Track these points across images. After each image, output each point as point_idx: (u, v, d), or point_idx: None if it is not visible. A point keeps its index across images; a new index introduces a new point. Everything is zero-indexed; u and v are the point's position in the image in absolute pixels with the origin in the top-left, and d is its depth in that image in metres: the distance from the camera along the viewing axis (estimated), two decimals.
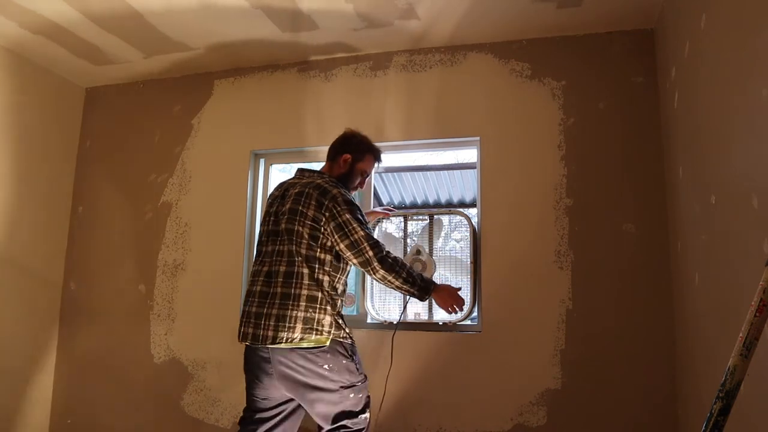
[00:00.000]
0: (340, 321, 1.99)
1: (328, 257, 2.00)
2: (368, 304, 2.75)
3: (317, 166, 2.38)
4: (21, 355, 3.03)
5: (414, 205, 4.34)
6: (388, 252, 2.03)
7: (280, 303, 1.93)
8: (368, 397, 2.03)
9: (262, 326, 1.93)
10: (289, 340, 1.89)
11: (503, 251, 2.62)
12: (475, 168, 2.89)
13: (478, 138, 2.76)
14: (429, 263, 2.64)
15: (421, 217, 2.79)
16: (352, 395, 1.95)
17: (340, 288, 2.06)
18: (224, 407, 2.88)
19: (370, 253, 1.98)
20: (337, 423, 1.94)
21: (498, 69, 2.79)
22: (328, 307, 1.96)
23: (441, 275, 2.68)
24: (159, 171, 3.25)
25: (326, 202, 1.99)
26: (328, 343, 1.92)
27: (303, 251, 1.97)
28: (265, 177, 3.17)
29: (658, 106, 2.53)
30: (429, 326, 2.70)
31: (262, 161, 3.17)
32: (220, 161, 3.15)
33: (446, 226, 2.81)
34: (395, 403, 2.60)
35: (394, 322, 2.62)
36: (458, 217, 2.79)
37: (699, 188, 1.96)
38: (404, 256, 2.72)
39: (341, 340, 1.97)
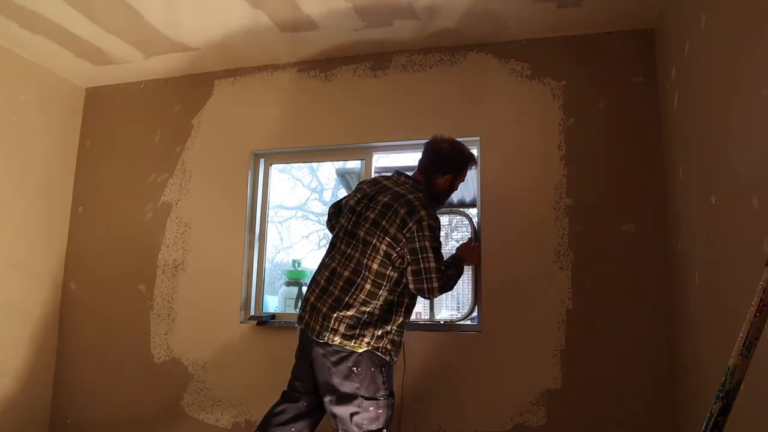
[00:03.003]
0: (385, 337, 2.01)
1: (396, 275, 2.02)
2: None
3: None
4: (21, 355, 3.03)
5: None
6: (446, 270, 2.04)
7: (331, 304, 1.99)
8: (390, 416, 2.01)
9: (313, 318, 2.02)
10: (331, 340, 1.96)
11: (503, 251, 2.62)
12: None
13: (478, 138, 2.76)
14: None
15: None
16: (371, 408, 1.94)
17: (405, 303, 2.07)
18: (224, 407, 2.88)
19: (435, 284, 2.00)
20: None
21: (498, 69, 2.79)
22: (374, 321, 1.99)
23: None
24: (159, 171, 3.25)
25: (411, 224, 1.99)
26: (360, 351, 1.96)
27: (374, 266, 2.00)
28: (265, 177, 3.17)
29: (658, 106, 2.53)
30: (429, 326, 2.71)
31: (262, 161, 3.17)
32: (220, 161, 3.14)
33: (446, 226, 2.82)
34: (395, 402, 2.59)
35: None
36: (458, 217, 2.79)
37: (699, 188, 1.96)
38: None
39: (379, 353, 1.99)
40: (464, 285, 2.67)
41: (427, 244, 1.98)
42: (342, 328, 1.95)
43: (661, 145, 2.50)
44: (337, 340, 1.94)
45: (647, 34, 2.62)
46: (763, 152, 1.39)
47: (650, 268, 2.44)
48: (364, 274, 2.00)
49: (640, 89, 2.58)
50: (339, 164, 5.08)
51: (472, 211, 3.32)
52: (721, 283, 1.74)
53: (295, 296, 3.82)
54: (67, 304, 3.28)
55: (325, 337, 1.96)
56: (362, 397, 1.93)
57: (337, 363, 1.95)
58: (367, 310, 1.98)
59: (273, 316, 2.95)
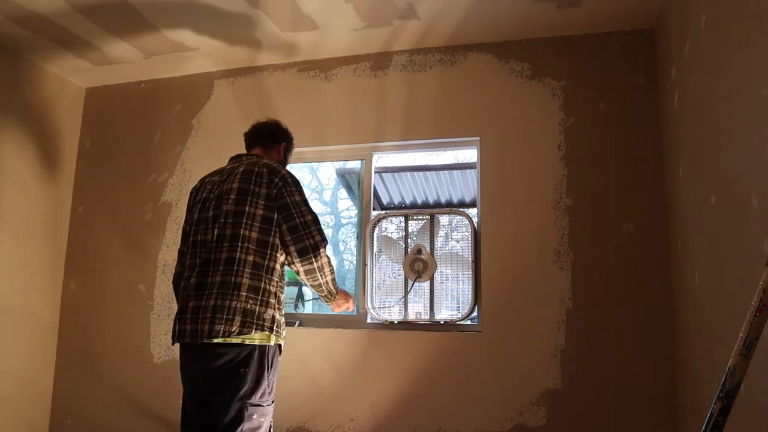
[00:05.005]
0: (282, 320, 1.85)
1: (279, 242, 1.87)
2: (368, 304, 2.75)
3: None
4: (21, 356, 3.03)
5: (414, 205, 4.35)
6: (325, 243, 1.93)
7: (217, 293, 1.74)
8: (271, 424, 1.80)
9: (199, 320, 1.73)
10: (227, 333, 1.70)
11: (503, 251, 2.62)
12: (475, 168, 2.89)
13: (478, 138, 2.76)
14: (430, 262, 2.64)
15: (421, 216, 2.79)
16: (255, 416, 1.72)
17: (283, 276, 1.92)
18: None
19: (318, 237, 1.86)
20: None
21: (498, 69, 2.79)
22: (272, 300, 1.81)
23: (442, 273, 2.69)
24: (159, 171, 3.25)
25: (276, 180, 1.87)
26: (271, 343, 1.78)
27: (254, 235, 1.81)
28: None
29: (658, 106, 2.53)
30: (429, 326, 2.70)
31: None
32: (220, 161, 3.13)
33: (446, 226, 2.82)
34: (395, 402, 2.60)
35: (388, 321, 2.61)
36: (458, 217, 2.79)
37: (699, 188, 1.96)
38: (405, 256, 2.72)
39: (274, 344, 1.81)
40: (464, 285, 2.68)
41: (297, 198, 1.87)
42: (238, 316, 1.71)
43: (661, 145, 2.50)
44: (235, 330, 1.70)
45: (647, 34, 2.62)
46: (763, 152, 1.39)
47: (650, 268, 2.44)
48: (243, 246, 1.78)
49: (640, 89, 2.58)
50: (339, 164, 5.08)
51: (472, 211, 3.33)
52: (721, 283, 1.74)
53: (295, 296, 3.82)
54: (67, 304, 3.28)
55: (219, 332, 1.69)
56: (249, 403, 1.71)
57: (225, 365, 1.71)
58: (261, 286, 1.78)
59: None
